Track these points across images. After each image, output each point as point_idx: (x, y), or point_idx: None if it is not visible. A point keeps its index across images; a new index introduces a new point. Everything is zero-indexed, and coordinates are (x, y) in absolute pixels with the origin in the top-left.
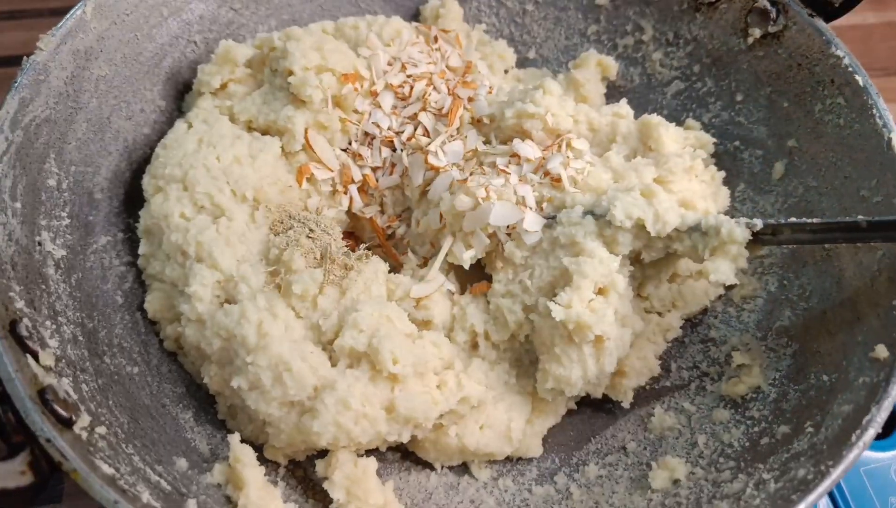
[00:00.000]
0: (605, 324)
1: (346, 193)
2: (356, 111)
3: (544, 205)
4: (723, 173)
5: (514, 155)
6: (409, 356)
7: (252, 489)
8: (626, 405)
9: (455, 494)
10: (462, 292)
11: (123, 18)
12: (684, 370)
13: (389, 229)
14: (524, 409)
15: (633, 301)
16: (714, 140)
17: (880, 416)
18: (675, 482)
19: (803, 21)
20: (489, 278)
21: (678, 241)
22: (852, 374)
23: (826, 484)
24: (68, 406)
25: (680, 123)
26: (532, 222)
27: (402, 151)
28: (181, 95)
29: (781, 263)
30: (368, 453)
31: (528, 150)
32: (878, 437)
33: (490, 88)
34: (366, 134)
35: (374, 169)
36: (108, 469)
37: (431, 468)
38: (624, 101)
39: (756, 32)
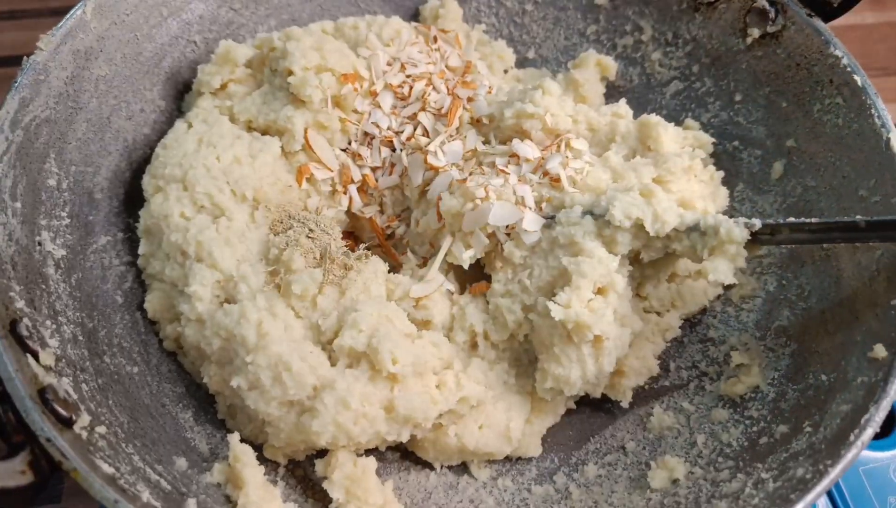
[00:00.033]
0: (604, 324)
1: (345, 193)
2: (356, 111)
3: (543, 205)
4: (721, 173)
5: (514, 155)
6: (409, 355)
7: (252, 488)
8: (625, 404)
9: (454, 494)
10: (461, 291)
11: (123, 18)
12: (683, 369)
13: (389, 228)
14: (523, 409)
15: (632, 301)
16: (713, 140)
17: (879, 415)
18: (674, 481)
19: (802, 21)
20: (488, 278)
21: (677, 241)
22: (851, 373)
23: (824, 484)
24: (68, 406)
25: (679, 123)
26: (531, 222)
27: (401, 151)
28: (181, 95)
29: (780, 263)
30: (368, 452)
31: (528, 150)
32: (877, 437)
33: (489, 88)
34: (365, 134)
35: (374, 169)
36: (108, 469)
37: (431, 467)
38: (623, 101)
39: (755, 32)
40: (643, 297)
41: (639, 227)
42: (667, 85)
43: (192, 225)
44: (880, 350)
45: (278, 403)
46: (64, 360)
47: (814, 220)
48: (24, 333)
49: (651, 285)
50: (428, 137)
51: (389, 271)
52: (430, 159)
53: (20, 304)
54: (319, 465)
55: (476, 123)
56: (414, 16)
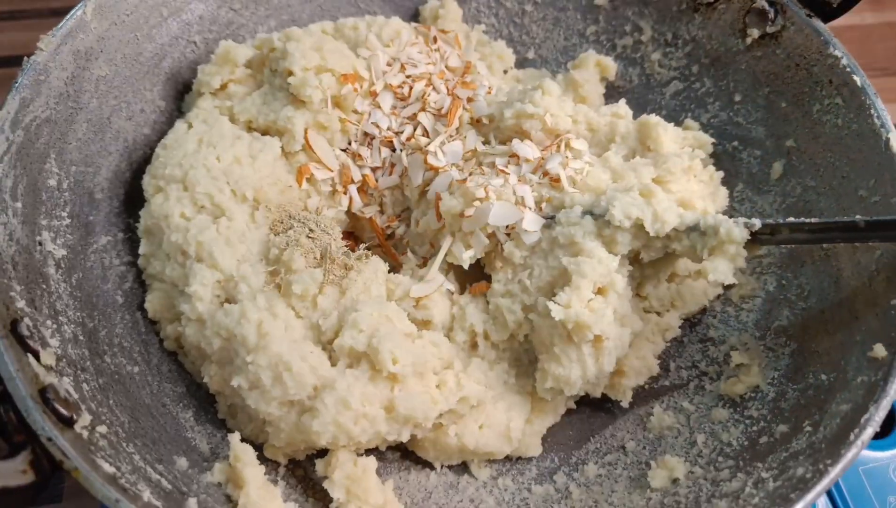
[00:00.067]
0: (604, 324)
1: (345, 193)
2: (356, 111)
3: (543, 205)
4: (721, 173)
5: (514, 155)
6: (409, 355)
7: (252, 488)
8: (625, 404)
9: (455, 493)
10: (461, 291)
11: (123, 19)
12: (683, 369)
13: (389, 229)
14: (523, 408)
15: (632, 301)
16: (712, 140)
17: (879, 415)
18: (674, 481)
19: (801, 21)
20: (488, 278)
21: (677, 241)
22: (851, 373)
23: (825, 483)
24: (69, 405)
25: (678, 123)
26: (531, 222)
27: (401, 151)
28: (181, 95)
29: (780, 262)
30: (368, 452)
31: (527, 150)
32: (877, 436)
33: (489, 88)
34: (365, 134)
35: (374, 169)
36: (109, 468)
37: (431, 467)
38: (623, 101)
39: (754, 33)
40: (643, 297)
41: (639, 227)
42: (666, 85)
43: (193, 225)
44: (880, 350)
45: (279, 403)
46: (65, 360)
47: (813, 220)
48: (25, 332)
49: (651, 285)
50: (428, 137)
51: (389, 272)
52: (430, 160)
53: (21, 304)
54: (320, 465)
55: (476, 123)
56: (414, 16)
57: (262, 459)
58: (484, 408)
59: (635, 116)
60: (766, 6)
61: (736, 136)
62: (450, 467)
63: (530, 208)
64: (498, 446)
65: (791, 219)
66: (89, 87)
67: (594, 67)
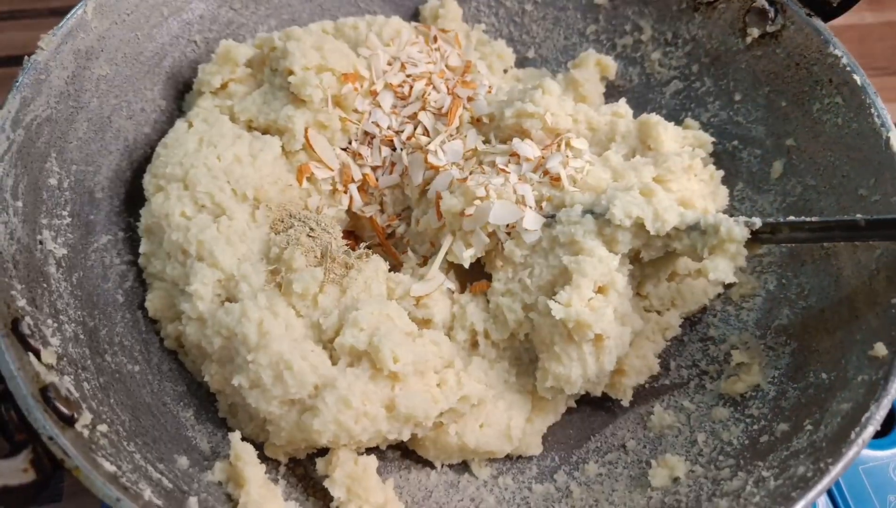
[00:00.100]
0: (604, 323)
1: (346, 192)
2: (356, 111)
3: (544, 204)
4: (721, 172)
5: (514, 154)
6: (410, 354)
7: (253, 487)
8: (625, 403)
9: (455, 492)
10: (462, 290)
11: (124, 18)
12: (683, 368)
13: (389, 228)
14: (524, 407)
15: (633, 300)
16: (713, 139)
17: (879, 413)
18: (675, 480)
19: (801, 20)
20: (489, 277)
21: (677, 239)
22: (851, 372)
23: (825, 482)
24: (70, 404)
25: (679, 122)
26: (531, 221)
27: (401, 150)
28: (181, 94)
29: (780, 261)
30: (369, 451)
31: (528, 149)
32: (877, 435)
33: (489, 87)
34: (366, 133)
35: (374, 168)
36: (109, 467)
37: (432, 466)
38: (623, 100)
39: (754, 32)
40: (643, 296)
41: (639, 226)
42: (666, 84)
43: (193, 224)
44: (881, 349)
45: (279, 401)
46: (65, 358)
47: (814, 219)
48: (26, 331)
49: (651, 284)
50: (428, 136)
51: (390, 270)
52: (431, 159)
53: (22, 303)
54: (320, 464)
55: (476, 122)
56: (414, 16)
57: (263, 458)
58: (484, 407)
59: (635, 116)
60: (766, 5)
61: (736, 135)
62: (450, 466)
63: (531, 207)
64: (498, 445)
65: (791, 218)
66: (90, 86)
67: (594, 66)
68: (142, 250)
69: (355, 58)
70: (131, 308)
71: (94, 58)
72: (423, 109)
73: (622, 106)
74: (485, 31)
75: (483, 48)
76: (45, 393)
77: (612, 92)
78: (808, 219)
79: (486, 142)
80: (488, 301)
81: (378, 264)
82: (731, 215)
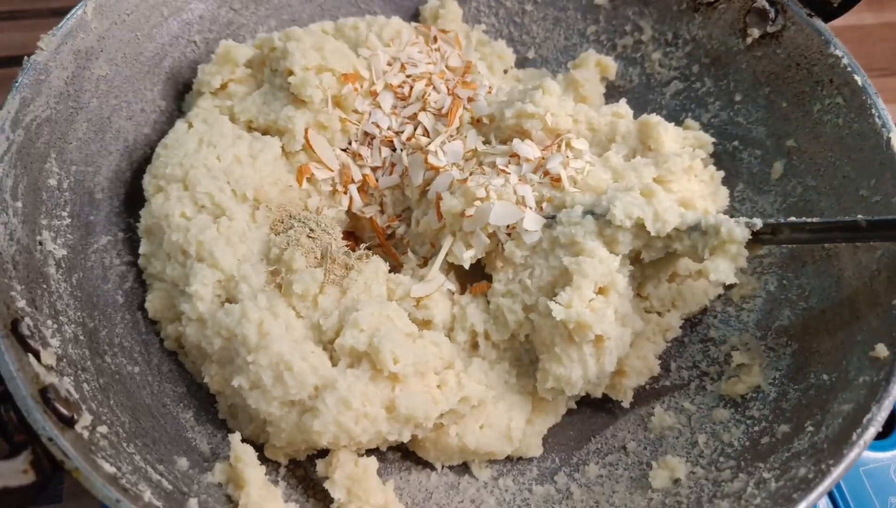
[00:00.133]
0: (605, 324)
1: (346, 192)
2: (356, 111)
3: (544, 205)
4: (722, 173)
5: (514, 155)
6: (410, 355)
7: (253, 488)
8: (626, 404)
9: (455, 494)
10: (462, 291)
11: (124, 18)
12: (684, 369)
13: (389, 228)
14: (524, 409)
15: (633, 301)
16: (713, 140)
17: (881, 415)
18: (676, 481)
19: (802, 21)
20: (489, 278)
21: (678, 240)
22: (852, 373)
23: (827, 483)
24: (70, 405)
25: (679, 122)
26: (532, 222)
27: (401, 150)
28: (181, 95)
29: (781, 262)
30: (369, 452)
31: (528, 150)
32: (878, 437)
33: (489, 88)
34: (366, 134)
35: (374, 169)
36: (109, 468)
37: (432, 467)
38: (623, 101)
39: (755, 32)
40: (644, 297)
41: (640, 226)
42: (667, 85)
43: (193, 225)
44: (882, 350)
45: (279, 403)
46: (65, 360)
47: (815, 219)
48: (26, 332)
49: (652, 285)
50: (428, 136)
51: (390, 271)
52: (431, 159)
53: (21, 303)
54: (321, 465)
55: (476, 122)
56: (414, 16)
57: (263, 459)
58: (485, 408)
59: (636, 116)
60: (767, 6)
61: (736, 135)
62: (451, 467)
63: (531, 208)
64: (499, 446)
65: (792, 219)
66: (90, 86)
67: (594, 66)
68: (142, 250)
69: (355, 58)
70: (131, 309)
71: (94, 58)
72: (424, 109)
73: (622, 106)
74: (485, 32)
75: (483, 49)
76: (45, 394)
77: (612, 92)
78: (808, 220)
79: (487, 142)
80: (489, 302)
81: (378, 264)
82: (732, 216)
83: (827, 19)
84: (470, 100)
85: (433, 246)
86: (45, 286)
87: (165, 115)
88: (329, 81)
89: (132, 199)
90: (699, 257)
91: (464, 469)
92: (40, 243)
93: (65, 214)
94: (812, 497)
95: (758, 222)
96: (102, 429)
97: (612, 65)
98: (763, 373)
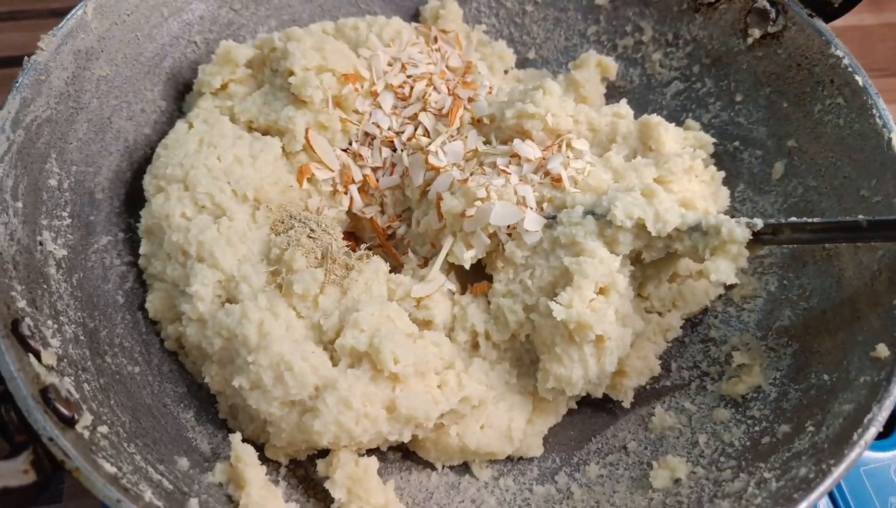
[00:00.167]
0: (605, 324)
1: (346, 193)
2: (356, 111)
3: (545, 205)
4: (722, 173)
5: (515, 155)
6: (410, 355)
7: (253, 488)
8: (626, 404)
9: (456, 494)
10: (463, 292)
11: (124, 19)
12: (685, 369)
13: (390, 229)
14: (525, 409)
15: (634, 301)
16: (714, 140)
17: (882, 415)
18: (676, 481)
19: (803, 21)
20: (490, 278)
21: (678, 240)
22: (853, 373)
23: (828, 483)
24: (70, 405)
25: (679, 123)
26: (532, 222)
27: (402, 151)
28: (182, 95)
29: (781, 263)
30: (369, 452)
31: (529, 150)
32: (879, 437)
33: (490, 88)
34: (366, 134)
35: (375, 169)
36: (110, 468)
37: (432, 467)
38: (624, 101)
39: (755, 33)
40: (644, 297)
41: (640, 227)
42: (667, 85)
43: (194, 225)
44: (882, 350)
45: (280, 403)
46: (66, 360)
47: (816, 220)
48: (26, 332)
49: (652, 285)
50: (429, 137)
51: (391, 272)
52: (431, 160)
53: (22, 304)
54: (321, 465)
55: (477, 123)
56: (414, 16)
57: (264, 459)
58: (485, 408)
59: (636, 117)
60: (768, 6)
61: (737, 136)
62: (451, 467)
63: (532, 208)
64: (499, 446)
65: (793, 219)
66: (90, 87)
67: (595, 67)
68: (142, 251)
69: (356, 58)
70: (131, 309)
71: (94, 58)
72: (424, 109)
73: (623, 107)
74: (485, 32)
75: (484, 49)
76: (46, 394)
77: (612, 93)
78: (809, 220)
79: (487, 143)
80: (489, 302)
81: (379, 265)
82: (733, 216)
83: (828, 20)
84: (470, 100)
85: (434, 246)
86: (45, 287)
87: (166, 115)
88: (329, 81)
89: (132, 199)
90: (700, 257)
91: (464, 469)
92: (41, 244)
93: (65, 214)
94: (813, 496)
95: (758, 223)
96: (103, 429)
97: (612, 65)
98: (764, 373)
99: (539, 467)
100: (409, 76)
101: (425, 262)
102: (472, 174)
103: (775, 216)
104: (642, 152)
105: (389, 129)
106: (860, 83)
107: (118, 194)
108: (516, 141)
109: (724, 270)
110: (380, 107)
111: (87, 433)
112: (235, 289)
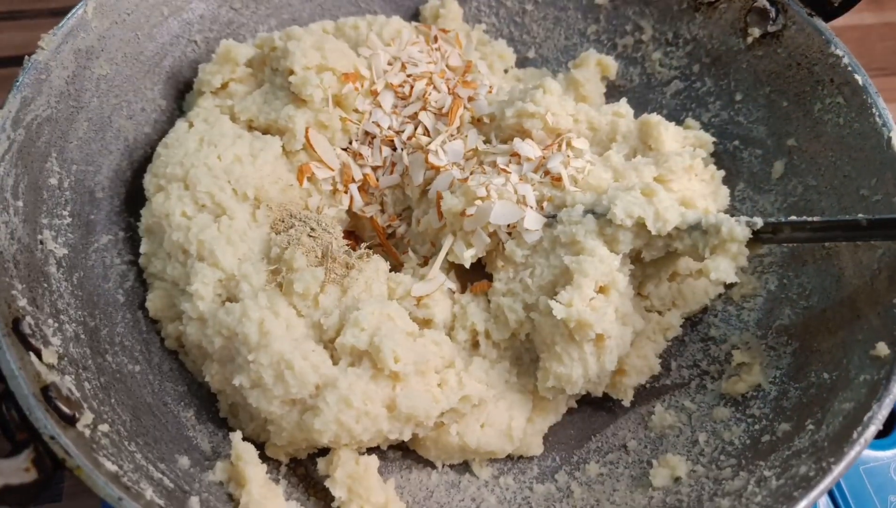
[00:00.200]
0: (605, 322)
1: (346, 192)
2: (356, 111)
3: (545, 204)
4: (722, 172)
5: (515, 154)
6: (411, 354)
7: (254, 486)
8: (626, 403)
9: (456, 492)
10: (463, 290)
11: (124, 18)
12: (684, 368)
13: (390, 228)
14: (525, 407)
15: (634, 300)
16: (713, 139)
17: (881, 413)
18: (676, 479)
19: (802, 20)
20: (490, 277)
21: (678, 239)
22: (853, 372)
23: (828, 481)
24: (71, 404)
25: (679, 122)
26: (533, 221)
27: (402, 150)
28: (182, 94)
29: (781, 261)
30: (370, 451)
31: (529, 149)
32: (878, 436)
33: (490, 87)
34: (366, 133)
35: (375, 168)
36: (111, 467)
37: (433, 466)
38: (624, 100)
39: (755, 32)
40: (644, 296)
41: (640, 226)
42: (667, 84)
43: (194, 224)
44: (882, 349)
45: (280, 401)
46: (66, 358)
47: (815, 218)
48: (27, 331)
49: (652, 284)
50: (429, 136)
51: (391, 271)
52: (432, 159)
53: (22, 302)
54: (321, 464)
55: (477, 122)
56: (414, 15)
57: (264, 458)
58: (485, 407)
59: (636, 116)
60: (767, 5)
61: (737, 135)
62: (451, 466)
63: (532, 207)
64: (499, 445)
65: (793, 218)
66: (90, 86)
67: (595, 66)
68: (142, 249)
69: (356, 58)
70: (132, 308)
71: (95, 57)
72: (424, 108)
73: (623, 106)
74: (485, 31)
75: (484, 48)
76: (47, 393)
77: (612, 92)
78: (809, 219)
79: (487, 142)
80: (489, 301)
81: (379, 264)
82: (732, 215)
83: (827, 19)
84: (470, 99)
85: (434, 245)
86: (45, 285)
87: (166, 114)
88: (329, 80)
89: (133, 198)
90: (700, 256)
91: (464, 467)
92: (41, 243)
93: (65, 213)
94: (813, 494)
95: (758, 221)
96: (104, 428)
97: (612, 64)
98: (764, 372)
99: (539, 465)
100: (409, 75)
101: (425, 261)
102: (472, 173)
103: (775, 215)
104: (642, 151)
105: (389, 128)
106: (860, 82)
107: (118, 192)
108: (516, 140)
109: (724, 268)
110: (380, 106)
111: (87, 432)
112: (236, 288)
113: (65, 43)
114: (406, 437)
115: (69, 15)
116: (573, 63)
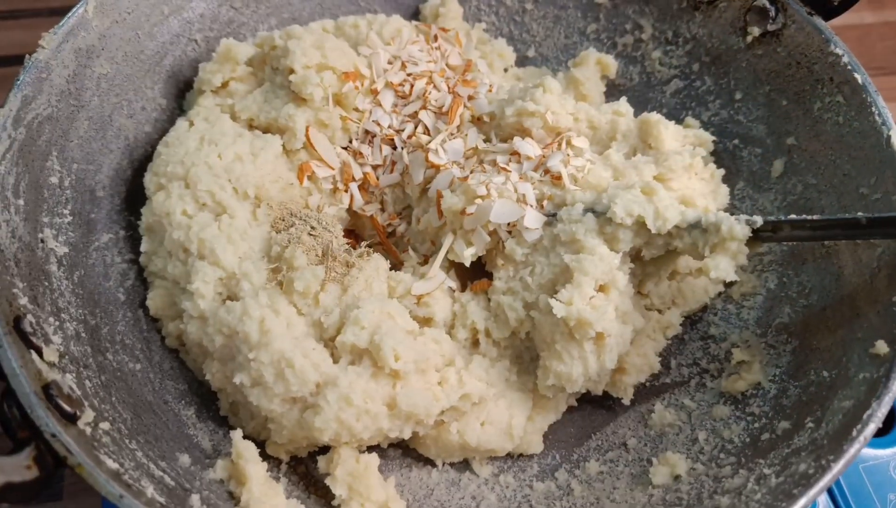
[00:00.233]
0: (605, 321)
1: (346, 190)
2: (357, 109)
3: (545, 203)
4: (722, 171)
5: (515, 153)
6: (411, 352)
7: (254, 484)
8: (626, 401)
9: (456, 490)
10: (463, 289)
11: (125, 17)
12: (684, 366)
13: (390, 226)
14: (525, 406)
15: (634, 298)
16: (713, 138)
17: (881, 411)
18: (676, 477)
19: (802, 19)
20: (490, 276)
21: (678, 238)
22: (852, 370)
23: (827, 479)
24: (72, 402)
25: (679, 121)
26: (533, 220)
27: (402, 149)
28: (182, 93)
29: (781, 260)
30: (370, 449)
31: (529, 148)
32: (878, 434)
33: (490, 86)
34: (366, 132)
35: (375, 167)
36: (112, 464)
37: (433, 464)
38: (623, 99)
39: (755, 31)
40: (644, 294)
41: (640, 224)
42: (667, 83)
43: (194, 223)
44: (882, 347)
45: (281, 399)
46: (67, 356)
47: (815, 217)
48: (28, 329)
49: (652, 283)
50: (429, 135)
51: (391, 269)
52: (432, 157)
53: (23, 301)
54: (322, 462)
55: (477, 121)
56: (414, 14)
57: (265, 456)
58: (485, 405)
59: (636, 114)
60: (767, 4)
61: (737, 134)
62: (451, 464)
63: (532, 206)
64: (499, 443)
65: (793, 216)
66: (91, 85)
67: (595, 65)
68: (143, 248)
69: (356, 56)
70: (132, 307)
71: (95, 56)
72: (424, 107)
73: (623, 105)
74: (485, 30)
75: (483, 47)
76: (48, 391)
77: (612, 91)
78: (809, 217)
79: (487, 141)
80: (489, 300)
81: (379, 262)
82: (732, 214)
83: (827, 18)
84: (470, 98)
85: (434, 244)
86: (46, 284)
87: (166, 113)
88: (330, 79)
89: (133, 197)
90: (700, 254)
91: (465, 465)
92: (42, 241)
93: (66, 211)
94: (812, 492)
95: (758, 220)
96: (105, 426)
97: (612, 63)
98: (763, 370)
99: (539, 464)
100: (409, 74)
101: (425, 260)
102: (472, 172)
103: (775, 214)
104: (642, 150)
105: (390, 127)
106: (859, 81)
107: (119, 191)
108: (516, 139)
109: (723, 267)
110: (380, 105)
111: (88, 430)
112: (236, 286)
113: (65, 42)
114: (406, 435)
115: (70, 14)
116: (573, 62)
